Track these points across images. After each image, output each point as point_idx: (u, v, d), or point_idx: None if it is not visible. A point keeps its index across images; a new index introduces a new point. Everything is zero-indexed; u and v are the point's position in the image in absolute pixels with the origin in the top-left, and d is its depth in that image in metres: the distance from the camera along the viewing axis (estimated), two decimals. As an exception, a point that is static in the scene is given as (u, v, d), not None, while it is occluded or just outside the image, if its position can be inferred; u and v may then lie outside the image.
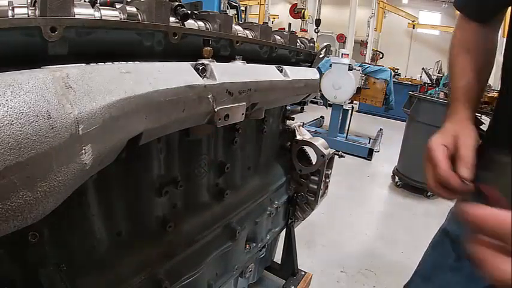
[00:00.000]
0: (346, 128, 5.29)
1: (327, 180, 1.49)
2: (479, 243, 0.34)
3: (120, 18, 0.65)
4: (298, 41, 1.30)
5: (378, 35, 12.90)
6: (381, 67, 5.57)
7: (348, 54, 5.60)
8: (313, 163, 1.41)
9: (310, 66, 1.36)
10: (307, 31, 9.74)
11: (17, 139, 0.36)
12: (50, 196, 0.40)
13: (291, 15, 10.36)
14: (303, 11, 9.93)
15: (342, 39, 11.69)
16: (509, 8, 0.72)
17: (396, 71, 9.67)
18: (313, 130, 5.35)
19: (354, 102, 5.97)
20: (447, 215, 0.90)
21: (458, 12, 0.86)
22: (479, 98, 0.78)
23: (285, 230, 1.62)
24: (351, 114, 5.23)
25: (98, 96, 0.46)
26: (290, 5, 11.12)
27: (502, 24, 0.84)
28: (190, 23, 0.82)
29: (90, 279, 0.72)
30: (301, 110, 7.97)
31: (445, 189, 0.66)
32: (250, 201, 1.23)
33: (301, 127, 1.49)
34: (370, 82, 5.41)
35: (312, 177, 1.45)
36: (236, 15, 6.51)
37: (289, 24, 1.62)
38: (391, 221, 3.07)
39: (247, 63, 0.86)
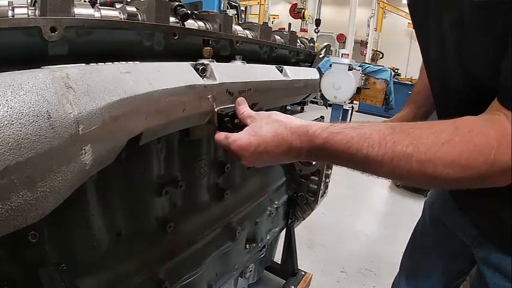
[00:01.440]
0: (346, 128, 5.28)
1: (327, 180, 1.49)
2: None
3: (120, 18, 0.65)
4: (298, 41, 1.30)
5: (378, 35, 12.89)
6: (381, 67, 5.57)
7: (348, 54, 5.61)
8: (313, 163, 1.41)
9: (310, 66, 1.36)
10: (307, 31, 9.75)
11: (17, 139, 0.36)
12: (50, 196, 0.40)
13: (291, 15, 10.36)
14: (303, 11, 9.93)
15: (342, 39, 11.68)
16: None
17: (396, 71, 9.65)
18: (313, 130, 5.32)
19: (354, 102, 5.97)
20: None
21: None
22: (425, 100, 1.03)
23: (285, 230, 1.62)
24: (351, 114, 5.23)
25: (98, 96, 0.46)
26: (290, 5, 11.13)
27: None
28: (190, 23, 0.82)
29: (90, 279, 0.72)
30: (301, 110, 7.96)
31: None
32: (250, 201, 1.23)
33: (301, 127, 1.49)
34: (370, 82, 5.41)
35: (312, 177, 1.44)
36: (236, 15, 6.51)
37: (289, 24, 1.62)
38: (391, 221, 3.07)
39: (247, 63, 0.86)
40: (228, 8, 5.31)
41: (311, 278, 1.74)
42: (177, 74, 0.63)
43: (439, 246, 0.96)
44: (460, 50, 0.57)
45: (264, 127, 0.62)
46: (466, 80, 0.59)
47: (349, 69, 4.75)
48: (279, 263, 1.77)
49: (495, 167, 0.45)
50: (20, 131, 0.36)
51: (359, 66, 5.27)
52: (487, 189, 0.50)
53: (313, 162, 1.41)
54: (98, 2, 0.73)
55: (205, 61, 0.72)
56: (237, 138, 0.63)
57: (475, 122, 0.49)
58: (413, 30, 0.75)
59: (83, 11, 0.59)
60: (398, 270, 1.14)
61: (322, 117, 1.54)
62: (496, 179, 0.47)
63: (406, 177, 0.52)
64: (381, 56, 12.46)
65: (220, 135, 0.66)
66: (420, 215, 1.09)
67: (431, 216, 0.99)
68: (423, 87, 1.02)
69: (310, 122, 0.60)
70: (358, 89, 5.20)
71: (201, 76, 0.68)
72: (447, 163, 0.47)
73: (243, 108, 0.69)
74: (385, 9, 12.03)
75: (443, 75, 0.66)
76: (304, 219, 1.60)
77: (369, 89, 5.41)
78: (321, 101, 6.23)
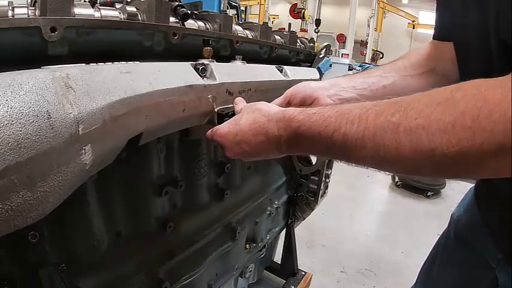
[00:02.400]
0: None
1: (327, 180, 1.49)
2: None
3: (120, 18, 0.65)
4: (298, 41, 1.30)
5: (378, 35, 12.90)
6: (381, 67, 5.57)
7: (348, 54, 5.62)
8: (313, 163, 1.41)
9: (310, 66, 1.36)
10: (307, 31, 9.75)
11: (17, 139, 0.36)
12: (50, 196, 0.40)
13: (291, 15, 10.37)
14: (303, 11, 9.94)
15: (342, 39, 11.68)
16: None
17: (396, 71, 9.64)
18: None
19: (354, 102, 5.95)
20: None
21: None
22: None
23: (285, 230, 1.62)
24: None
25: (98, 96, 0.46)
26: (290, 5, 11.14)
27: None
28: (190, 23, 0.82)
29: (90, 279, 0.72)
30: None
31: None
32: (250, 201, 1.23)
33: (301, 127, 1.48)
34: (370, 82, 5.41)
35: (312, 177, 1.44)
36: (236, 15, 6.51)
37: (289, 24, 1.62)
38: (391, 221, 3.07)
39: (247, 63, 0.86)
40: (228, 8, 5.30)
41: (311, 278, 1.74)
42: (177, 74, 0.63)
43: (461, 264, 0.88)
44: (498, 24, 0.47)
45: (244, 116, 0.60)
46: (506, 58, 0.48)
47: (349, 69, 4.76)
48: (279, 263, 1.77)
49: None
50: (20, 131, 0.36)
51: (359, 66, 5.28)
52: None
53: (313, 162, 1.41)
54: (98, 2, 0.73)
55: (205, 61, 0.72)
56: (219, 128, 0.63)
57: (485, 79, 0.36)
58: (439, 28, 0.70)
59: (83, 11, 0.59)
60: (414, 281, 1.08)
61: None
62: None
63: (396, 159, 0.39)
64: (381, 56, 12.47)
65: (209, 130, 0.66)
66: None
67: (457, 231, 0.90)
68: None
69: (291, 108, 0.55)
70: (358, 89, 5.20)
71: (201, 76, 0.68)
72: (446, 126, 0.34)
73: (240, 106, 0.68)
74: (385, 9, 12.04)
75: (484, 61, 0.56)
76: (304, 219, 1.60)
77: (369, 89, 5.41)
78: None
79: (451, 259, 0.92)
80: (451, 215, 0.94)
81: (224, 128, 0.62)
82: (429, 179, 3.51)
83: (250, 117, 0.59)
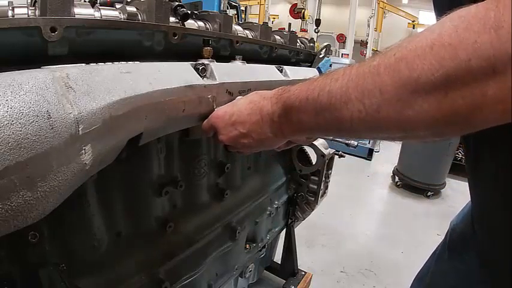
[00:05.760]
0: (346, 128, 5.27)
1: (327, 181, 1.49)
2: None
3: (120, 18, 0.65)
4: (298, 41, 1.30)
5: (378, 35, 12.89)
6: (381, 67, 5.56)
7: (348, 54, 5.61)
8: (313, 163, 1.41)
9: (310, 66, 1.36)
10: (307, 31, 9.75)
11: (17, 139, 0.36)
12: (50, 196, 0.40)
13: (291, 15, 10.37)
14: (303, 11, 9.95)
15: (342, 39, 11.69)
16: None
17: (396, 71, 9.63)
18: (313, 130, 5.32)
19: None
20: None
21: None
22: None
23: (285, 230, 1.62)
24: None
25: (98, 96, 0.46)
26: (290, 5, 11.14)
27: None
28: (190, 23, 0.82)
29: (90, 279, 0.72)
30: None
31: None
32: (250, 201, 1.23)
33: (301, 127, 1.48)
34: (370, 82, 5.40)
35: (312, 177, 1.44)
36: (236, 15, 6.50)
37: (289, 24, 1.62)
38: (391, 221, 3.07)
39: (247, 63, 0.86)
40: (228, 8, 5.29)
41: (311, 278, 1.74)
42: (177, 74, 0.63)
43: (453, 275, 0.84)
44: None
45: (242, 99, 0.62)
46: None
47: (349, 69, 4.75)
48: (279, 263, 1.77)
49: (502, 36, 0.26)
50: (20, 131, 0.36)
51: (359, 66, 5.27)
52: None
53: (313, 162, 1.41)
54: (98, 2, 0.73)
55: (205, 61, 0.72)
56: (216, 110, 0.65)
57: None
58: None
59: (83, 11, 0.59)
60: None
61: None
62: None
63: (383, 106, 0.36)
64: (381, 56, 12.44)
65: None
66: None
67: (451, 240, 0.87)
68: None
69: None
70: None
71: (201, 76, 0.68)
72: (424, 50, 0.32)
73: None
74: (385, 9, 12.04)
75: None
76: (304, 219, 1.60)
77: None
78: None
79: (444, 269, 0.89)
80: (450, 222, 0.91)
81: (221, 109, 0.63)
82: (429, 177, 3.51)
83: (248, 98, 0.61)
